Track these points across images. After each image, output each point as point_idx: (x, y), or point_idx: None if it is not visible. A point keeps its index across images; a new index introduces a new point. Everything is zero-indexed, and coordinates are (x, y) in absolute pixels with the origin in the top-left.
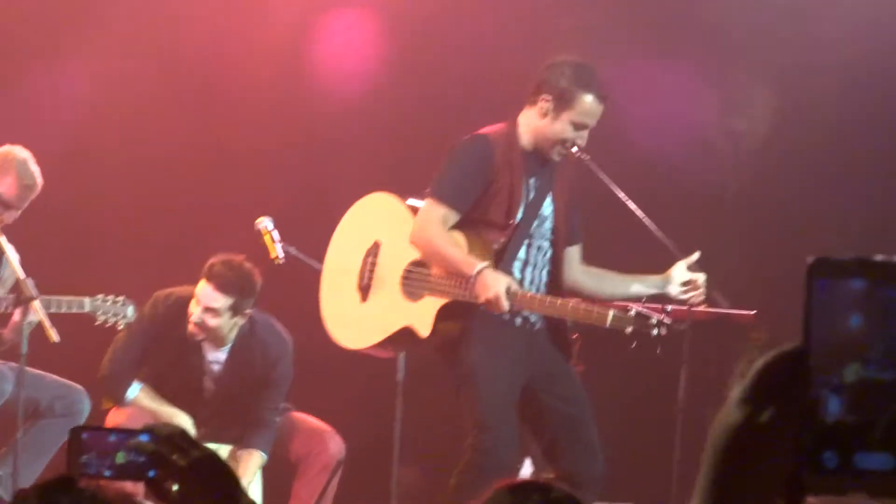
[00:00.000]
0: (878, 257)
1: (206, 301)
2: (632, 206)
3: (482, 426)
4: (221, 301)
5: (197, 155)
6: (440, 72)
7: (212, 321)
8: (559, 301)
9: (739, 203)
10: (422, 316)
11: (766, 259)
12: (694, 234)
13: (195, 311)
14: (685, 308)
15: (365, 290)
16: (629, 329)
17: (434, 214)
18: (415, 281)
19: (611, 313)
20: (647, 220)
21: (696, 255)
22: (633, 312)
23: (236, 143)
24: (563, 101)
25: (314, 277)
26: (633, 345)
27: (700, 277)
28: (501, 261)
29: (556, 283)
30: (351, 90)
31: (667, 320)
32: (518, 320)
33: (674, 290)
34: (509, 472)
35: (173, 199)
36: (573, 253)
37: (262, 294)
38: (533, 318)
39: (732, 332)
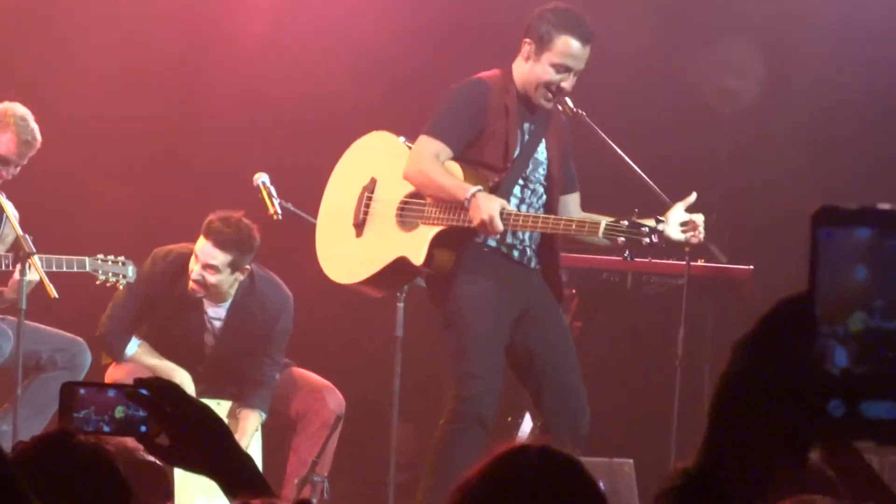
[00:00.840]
0: (884, 206)
1: (206, 258)
2: (628, 160)
3: (467, 374)
4: (220, 257)
5: (192, 112)
6: (441, 21)
7: (211, 278)
8: (552, 217)
9: (735, 159)
10: (416, 244)
11: (763, 215)
12: (691, 189)
13: (195, 268)
14: (683, 263)
15: (360, 226)
16: (622, 239)
17: (428, 149)
18: (410, 212)
19: (603, 223)
20: (643, 175)
21: (692, 197)
22: (625, 222)
23: (231, 100)
24: (542, 44)
25: (312, 233)
26: (626, 254)
27: (698, 218)
28: (497, 193)
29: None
30: (346, 42)
31: (660, 228)
32: (515, 253)
33: (672, 231)
34: (490, 421)
35: (170, 158)
36: (570, 201)
37: (260, 250)
38: (528, 253)
39: (729, 288)
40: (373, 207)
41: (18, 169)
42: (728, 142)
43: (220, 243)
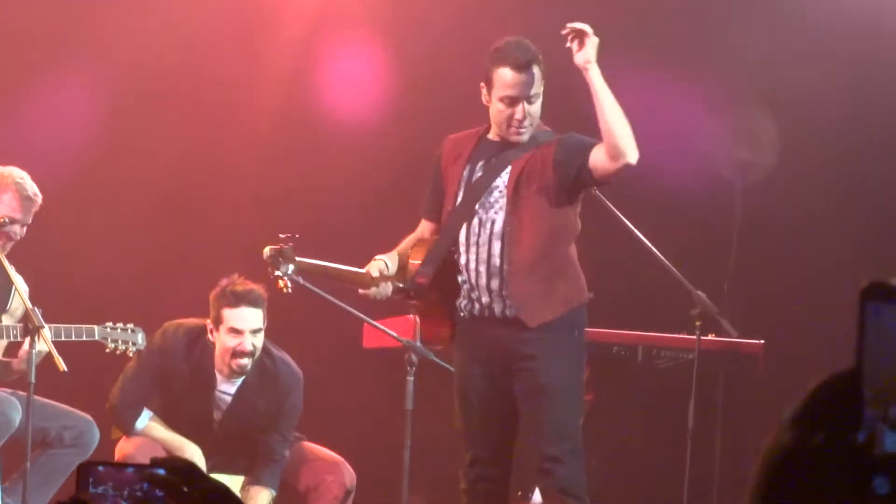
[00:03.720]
0: None
1: (249, 324)
2: (638, 234)
3: (464, 459)
4: (260, 316)
5: (201, 180)
6: (448, 90)
7: (259, 341)
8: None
9: (747, 233)
10: None
11: (774, 289)
12: (702, 263)
13: (243, 340)
14: (693, 337)
15: None
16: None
17: (418, 229)
18: None
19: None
20: (653, 248)
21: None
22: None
23: (242, 168)
24: (488, 83)
25: (321, 306)
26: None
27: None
28: (431, 252)
29: (509, 253)
30: (356, 111)
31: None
32: (476, 308)
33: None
34: (503, 489)
35: (178, 229)
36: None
37: (270, 324)
38: (485, 300)
39: (740, 361)
40: None
41: (24, 229)
42: (740, 214)
43: (255, 302)
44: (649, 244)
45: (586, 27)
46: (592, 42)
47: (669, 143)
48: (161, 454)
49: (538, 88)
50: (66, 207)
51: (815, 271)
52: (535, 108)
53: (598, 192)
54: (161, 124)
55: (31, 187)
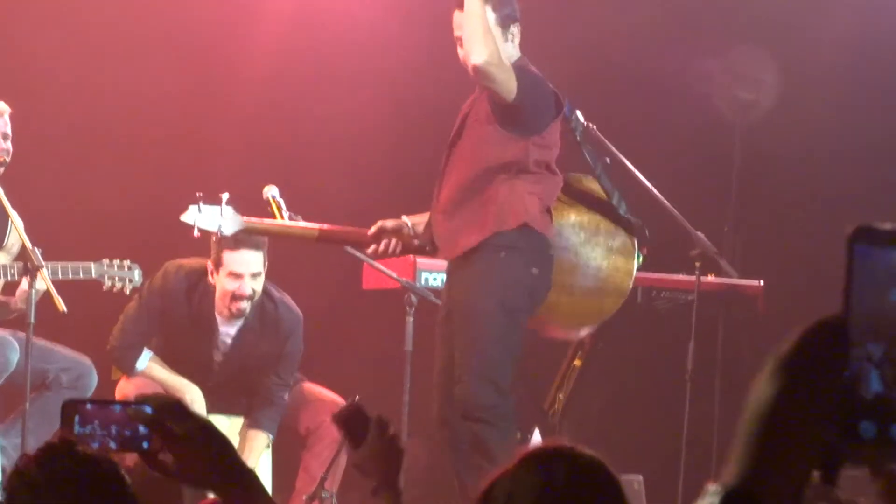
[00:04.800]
0: None
1: (248, 267)
2: (638, 174)
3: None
4: (261, 259)
5: (201, 119)
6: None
7: (258, 285)
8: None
9: (746, 173)
10: None
11: (774, 230)
12: (702, 204)
13: (242, 284)
14: (693, 278)
15: None
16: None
17: None
18: None
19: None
20: (653, 189)
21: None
22: None
23: (241, 109)
24: None
25: (321, 247)
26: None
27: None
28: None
29: (437, 193)
30: (357, 64)
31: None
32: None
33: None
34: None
35: (177, 164)
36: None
37: (271, 265)
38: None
39: (740, 303)
40: None
41: (9, 142)
42: (739, 155)
43: (255, 245)
44: (649, 184)
45: None
46: None
47: (669, 83)
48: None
49: None
50: (61, 145)
51: (815, 212)
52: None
53: (596, 130)
54: (157, 63)
55: None
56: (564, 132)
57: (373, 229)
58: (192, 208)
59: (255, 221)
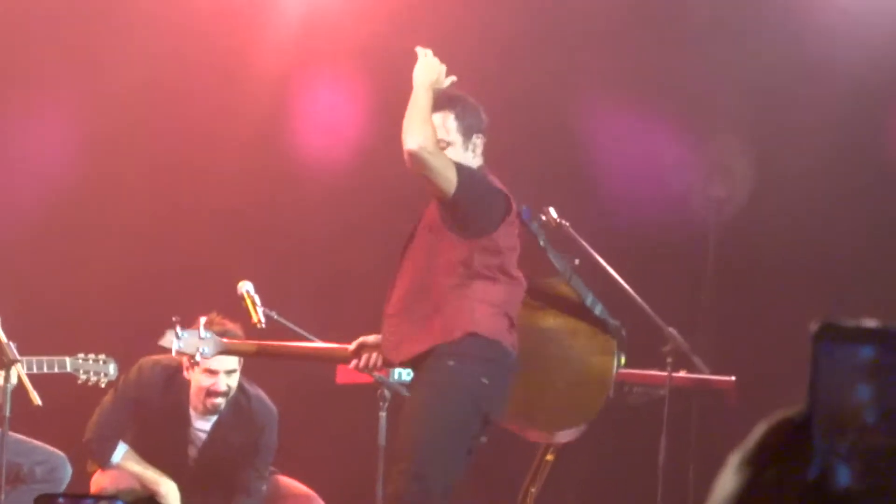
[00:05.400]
0: (885, 325)
1: (225, 364)
2: (610, 270)
3: None
4: (236, 357)
5: (175, 216)
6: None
7: (233, 381)
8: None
9: (719, 269)
10: None
11: (746, 326)
12: (673, 298)
13: (217, 380)
14: (665, 374)
15: None
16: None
17: None
18: None
19: None
20: (626, 286)
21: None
22: None
23: (217, 204)
24: None
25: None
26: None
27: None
28: None
29: (389, 296)
30: (334, 151)
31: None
32: None
33: None
34: None
35: (151, 260)
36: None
37: (245, 360)
38: None
39: (712, 398)
40: None
41: None
42: (713, 250)
43: None
44: (621, 280)
45: (424, 52)
46: (421, 64)
47: (642, 177)
48: (137, 488)
49: None
50: (37, 238)
51: (786, 308)
52: None
53: (569, 227)
54: (136, 157)
55: None
56: (524, 235)
57: (353, 345)
58: (170, 333)
59: (235, 343)
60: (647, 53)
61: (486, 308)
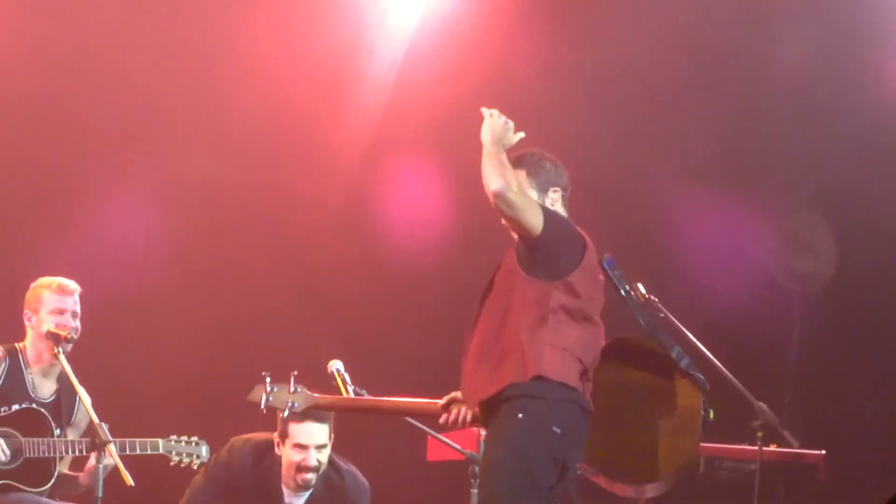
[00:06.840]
0: None
1: (315, 439)
2: (700, 345)
3: None
4: (326, 431)
5: (263, 295)
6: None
7: (323, 456)
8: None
9: (807, 343)
10: None
11: (835, 398)
12: (763, 374)
13: (308, 455)
14: (755, 448)
15: None
16: None
17: None
18: None
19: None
20: (715, 361)
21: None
22: None
23: (304, 284)
24: None
25: (383, 418)
26: None
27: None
28: None
29: (472, 342)
30: (413, 239)
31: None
32: None
33: None
34: None
35: (240, 342)
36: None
37: (337, 436)
38: None
39: (802, 472)
40: None
41: (78, 321)
42: (799, 324)
43: (319, 418)
44: (710, 355)
45: (489, 112)
46: (487, 123)
47: (727, 253)
48: None
49: None
50: (128, 321)
51: (876, 381)
52: None
53: (657, 302)
54: (219, 241)
55: (59, 279)
56: (608, 288)
57: (444, 400)
58: (259, 387)
59: (326, 397)
60: (728, 136)
61: (556, 351)
